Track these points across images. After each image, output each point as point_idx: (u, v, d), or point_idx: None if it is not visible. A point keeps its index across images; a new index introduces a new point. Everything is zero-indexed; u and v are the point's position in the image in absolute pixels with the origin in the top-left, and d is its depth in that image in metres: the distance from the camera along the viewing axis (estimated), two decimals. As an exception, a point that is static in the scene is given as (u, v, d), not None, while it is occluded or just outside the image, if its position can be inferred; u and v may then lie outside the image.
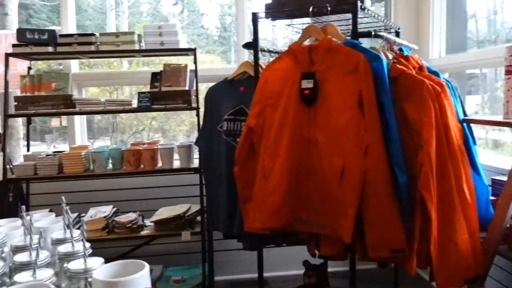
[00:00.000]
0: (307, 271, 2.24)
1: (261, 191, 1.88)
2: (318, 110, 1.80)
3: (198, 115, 2.59)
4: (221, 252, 2.93)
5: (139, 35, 2.69)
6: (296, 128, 1.83)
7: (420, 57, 3.03)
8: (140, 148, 2.66)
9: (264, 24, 2.14)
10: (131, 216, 2.66)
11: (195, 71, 2.62)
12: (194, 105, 2.60)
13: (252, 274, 2.56)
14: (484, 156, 2.68)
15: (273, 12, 1.99)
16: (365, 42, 2.13)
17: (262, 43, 2.19)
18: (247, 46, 2.27)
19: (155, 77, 2.74)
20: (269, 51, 2.19)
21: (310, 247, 2.07)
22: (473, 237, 1.70)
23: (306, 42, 1.96)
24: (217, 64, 3.94)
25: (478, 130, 2.83)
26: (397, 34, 2.42)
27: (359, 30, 2.05)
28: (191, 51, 2.61)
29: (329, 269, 2.50)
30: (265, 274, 2.62)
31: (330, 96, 1.77)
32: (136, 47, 2.64)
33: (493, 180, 2.00)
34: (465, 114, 2.07)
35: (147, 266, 0.92)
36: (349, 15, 1.85)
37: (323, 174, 1.79)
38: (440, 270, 1.66)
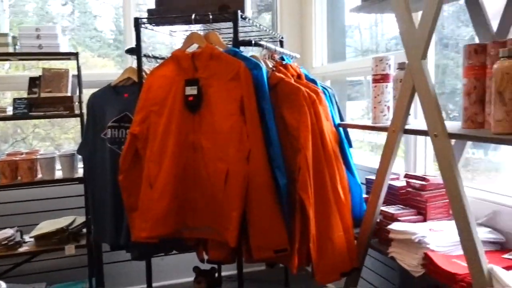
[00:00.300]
0: (197, 277, 2.24)
1: (146, 199, 1.85)
2: (203, 116, 1.82)
3: (82, 122, 2.47)
4: (111, 264, 2.82)
5: (14, 37, 2.50)
6: (181, 134, 1.83)
7: (305, 65, 3.21)
8: (17, 158, 2.47)
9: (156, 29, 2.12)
10: (8, 232, 2.45)
11: (78, 76, 2.50)
12: (77, 111, 2.47)
13: (144, 285, 2.49)
14: (365, 158, 2.90)
15: (156, 18, 1.97)
16: (250, 51, 2.21)
17: (161, 48, 2.16)
18: (130, 51, 2.22)
19: (34, 82, 2.56)
20: (154, 57, 2.17)
21: (198, 252, 2.08)
22: (348, 233, 1.83)
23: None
24: (109, 68, 3.78)
25: (363, 134, 3.06)
26: (281, 43, 2.53)
27: (249, 39, 2.12)
28: (73, 55, 2.48)
29: (225, 273, 2.53)
30: (158, 283, 2.58)
31: (213, 102, 1.80)
32: (10, 49, 2.44)
33: (367, 180, 2.17)
34: (342, 119, 2.22)
35: (3, 286, 0.86)
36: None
37: (208, 180, 1.81)
38: (319, 266, 1.77)
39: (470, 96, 1.46)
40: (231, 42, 1.90)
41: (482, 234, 1.67)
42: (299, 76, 1.94)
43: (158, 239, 1.86)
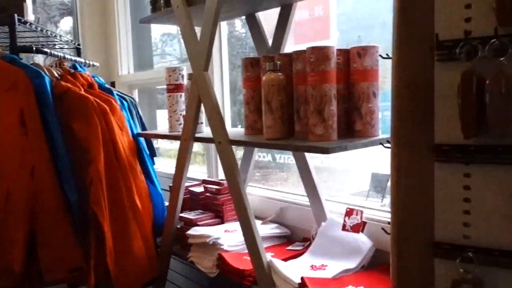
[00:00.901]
0: (-19, 312, 1.98)
1: None
2: (-24, 131, 1.62)
3: None
4: None
5: None
6: (-50, 152, 1.60)
7: (110, 73, 3.12)
8: None
9: None
10: None
11: None
12: None
13: None
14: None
15: None
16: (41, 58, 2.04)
17: None
18: None
19: None
20: None
21: (-20, 285, 1.84)
22: (147, 242, 1.82)
23: None
24: None
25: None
26: (78, 50, 2.40)
27: (35, 45, 1.95)
28: None
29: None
30: None
31: (-12, 115, 1.61)
32: None
33: (170, 187, 2.20)
34: (144, 128, 2.21)
35: None
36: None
37: (-14, 201, 1.62)
38: (119, 279, 1.72)
39: (249, 105, 1.59)
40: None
41: (269, 230, 1.84)
42: (91, 85, 1.87)
43: None
